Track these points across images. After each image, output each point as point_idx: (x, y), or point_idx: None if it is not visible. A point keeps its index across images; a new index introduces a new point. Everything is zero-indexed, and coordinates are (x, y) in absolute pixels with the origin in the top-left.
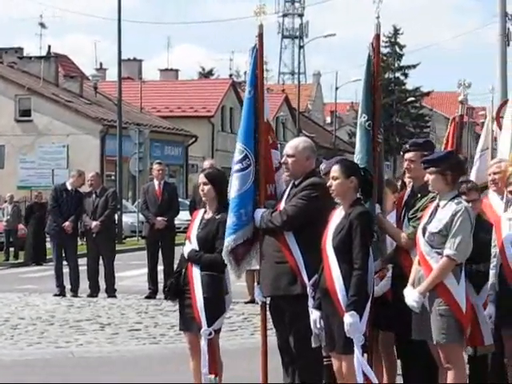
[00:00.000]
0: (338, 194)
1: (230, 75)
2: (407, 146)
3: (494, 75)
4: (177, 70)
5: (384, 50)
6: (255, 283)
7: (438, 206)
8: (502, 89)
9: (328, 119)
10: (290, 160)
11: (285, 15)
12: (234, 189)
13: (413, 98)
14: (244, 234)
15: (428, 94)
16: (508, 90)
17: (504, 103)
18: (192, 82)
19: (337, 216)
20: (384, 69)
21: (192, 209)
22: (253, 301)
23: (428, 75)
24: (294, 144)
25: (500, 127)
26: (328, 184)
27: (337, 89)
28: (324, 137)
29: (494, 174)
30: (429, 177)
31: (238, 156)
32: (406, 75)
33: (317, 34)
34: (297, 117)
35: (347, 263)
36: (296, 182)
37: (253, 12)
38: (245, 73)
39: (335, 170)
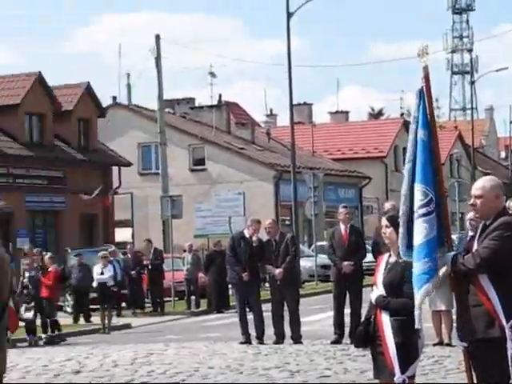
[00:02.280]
0: None
1: (401, 114)
2: None
3: None
4: (347, 112)
5: None
6: (443, 324)
7: None
8: None
9: (503, 154)
10: (478, 201)
11: (453, 51)
12: (420, 234)
13: None
14: (435, 284)
15: None
16: None
17: None
18: (362, 123)
19: None
20: None
21: (375, 251)
22: (441, 342)
23: None
24: (481, 184)
25: None
26: None
27: (511, 123)
28: (500, 172)
29: None
30: None
31: (421, 198)
32: None
33: (486, 68)
34: (471, 153)
35: None
36: (487, 223)
37: (416, 54)
38: None
39: None
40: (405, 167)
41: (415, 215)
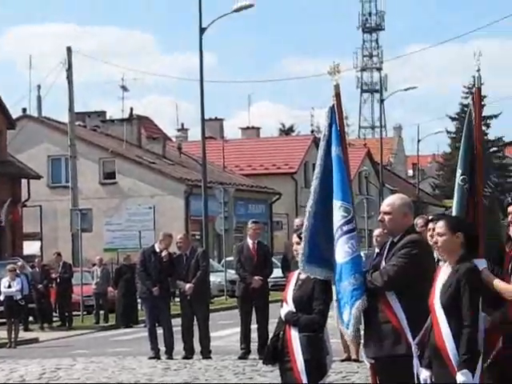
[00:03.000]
0: (444, 250)
1: (312, 131)
2: (510, 199)
3: None
4: (258, 128)
5: (464, 101)
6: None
7: None
8: None
9: (410, 172)
10: (386, 217)
11: (363, 69)
12: (347, 251)
13: (495, 149)
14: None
15: (511, 143)
16: None
17: None
18: (273, 139)
19: (443, 273)
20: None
21: (284, 267)
22: (349, 358)
23: (510, 125)
24: (391, 201)
25: None
26: (433, 241)
27: (419, 141)
28: (407, 190)
29: None
30: None
31: (345, 215)
32: (487, 125)
33: (395, 87)
34: (380, 171)
35: (456, 320)
36: (395, 240)
37: (327, 71)
38: None
39: (441, 226)
40: (312, 183)
41: (339, 232)
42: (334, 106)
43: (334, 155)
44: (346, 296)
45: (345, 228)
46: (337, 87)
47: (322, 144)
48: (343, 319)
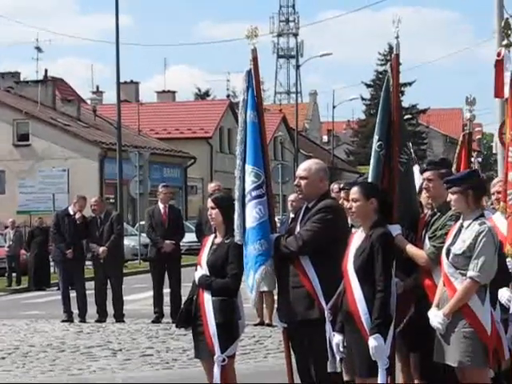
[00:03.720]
0: (358, 215)
1: (228, 96)
2: (424, 165)
3: (492, 93)
4: (174, 92)
5: (379, 68)
6: (264, 305)
7: (461, 226)
8: (501, 106)
9: (325, 138)
10: (302, 182)
11: (279, 35)
12: (254, 216)
13: (409, 116)
14: (271, 265)
15: (424, 111)
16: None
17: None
18: (189, 103)
19: (357, 238)
20: (380, 87)
21: (198, 231)
22: (262, 323)
23: (423, 93)
24: (307, 166)
25: (503, 143)
26: (348, 206)
27: (334, 107)
28: (322, 156)
29: (498, 192)
30: (451, 197)
31: (255, 180)
32: (402, 93)
33: (312, 54)
34: (295, 136)
35: (369, 285)
36: (310, 205)
37: (245, 35)
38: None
39: (355, 192)
40: (237, 149)
41: (248, 197)
42: (251, 70)
43: (249, 120)
44: (250, 261)
45: (254, 193)
46: (254, 51)
47: (242, 109)
48: (248, 283)
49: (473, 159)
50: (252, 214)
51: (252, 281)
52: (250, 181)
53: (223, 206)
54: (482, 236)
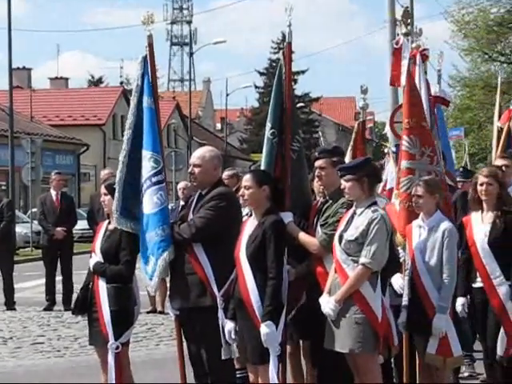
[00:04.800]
0: (250, 203)
1: (121, 83)
2: (316, 153)
3: (385, 81)
4: (67, 79)
5: (273, 57)
6: (157, 292)
7: (354, 213)
8: (393, 94)
9: (218, 126)
10: (196, 170)
11: (173, 22)
12: (155, 202)
13: (302, 104)
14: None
15: (317, 99)
16: (399, 96)
17: (398, 108)
18: (82, 90)
19: (250, 225)
20: (274, 75)
21: (90, 219)
22: (155, 310)
23: (316, 81)
24: (201, 154)
25: (394, 133)
26: (240, 193)
27: (227, 95)
28: (215, 143)
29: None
30: (345, 184)
31: (154, 166)
32: (295, 81)
33: (205, 41)
34: (188, 124)
35: (261, 272)
36: (203, 192)
37: (140, 21)
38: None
39: (247, 180)
40: (125, 134)
41: (147, 183)
42: (146, 56)
43: (146, 106)
44: (151, 247)
45: (154, 179)
46: (150, 37)
47: (135, 94)
48: (147, 270)
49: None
50: (152, 200)
51: (153, 267)
52: (149, 166)
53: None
54: (374, 223)
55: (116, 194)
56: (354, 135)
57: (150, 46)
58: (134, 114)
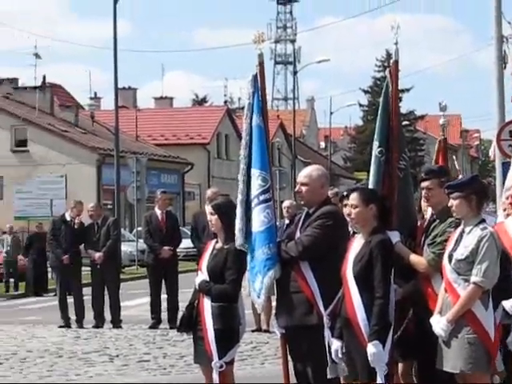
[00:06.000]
0: (357, 222)
1: (225, 102)
2: (423, 174)
3: (490, 98)
4: (171, 98)
5: (377, 75)
6: (262, 312)
7: (463, 232)
8: (500, 112)
9: (322, 144)
10: (304, 188)
11: (277, 41)
12: (262, 220)
13: (407, 122)
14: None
15: (422, 117)
16: (506, 114)
17: (505, 125)
18: (187, 109)
19: (356, 244)
20: (378, 93)
21: (194, 237)
22: (259, 329)
23: (421, 99)
24: (308, 172)
25: (501, 150)
26: (347, 212)
27: (331, 114)
28: (319, 162)
29: None
30: (453, 202)
31: (262, 184)
32: (399, 99)
33: (309, 60)
34: (292, 142)
35: (368, 292)
36: (310, 211)
37: (251, 40)
38: (239, 99)
39: (354, 198)
40: (241, 153)
41: (255, 201)
42: (257, 74)
43: (255, 124)
44: (258, 265)
45: (261, 197)
46: (260, 56)
47: (247, 113)
48: (255, 288)
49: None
50: (260, 218)
51: (260, 285)
52: (257, 185)
53: (222, 212)
54: (484, 241)
55: (238, 214)
56: (435, 154)
57: (261, 64)
58: (248, 132)
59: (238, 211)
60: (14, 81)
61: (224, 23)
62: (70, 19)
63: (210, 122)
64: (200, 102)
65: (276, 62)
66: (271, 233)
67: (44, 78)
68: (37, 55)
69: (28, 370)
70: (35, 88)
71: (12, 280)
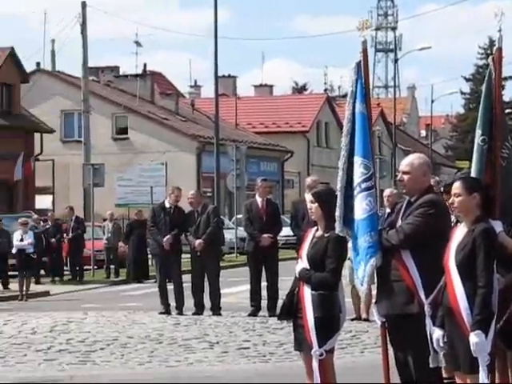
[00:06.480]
0: (460, 210)
1: (325, 90)
2: None
3: None
4: (271, 86)
5: (479, 62)
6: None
7: None
8: None
9: (423, 133)
10: (406, 177)
11: (378, 29)
12: (364, 208)
13: (510, 110)
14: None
15: None
16: None
17: None
18: (287, 97)
19: (459, 233)
20: (480, 81)
21: (293, 225)
22: (359, 317)
23: None
24: (410, 161)
25: None
26: (450, 201)
27: (432, 102)
28: (420, 150)
29: None
30: None
31: (364, 172)
32: (502, 87)
33: (409, 47)
34: (393, 131)
35: (471, 281)
36: (412, 200)
37: (355, 27)
38: (339, 87)
39: (457, 187)
40: (342, 141)
41: (357, 189)
42: (360, 61)
43: (358, 112)
44: (361, 253)
45: (364, 185)
46: (364, 43)
47: (349, 101)
48: (358, 275)
49: None
50: (362, 205)
51: (363, 273)
52: (359, 172)
53: (323, 200)
54: None
55: (338, 202)
56: None
57: (365, 51)
58: (349, 120)
59: (338, 199)
60: (115, 69)
61: (324, 10)
62: (171, 8)
63: (309, 109)
64: (300, 89)
65: (377, 50)
66: (373, 220)
67: (145, 66)
68: (138, 43)
69: (129, 355)
70: (136, 76)
71: (112, 266)
